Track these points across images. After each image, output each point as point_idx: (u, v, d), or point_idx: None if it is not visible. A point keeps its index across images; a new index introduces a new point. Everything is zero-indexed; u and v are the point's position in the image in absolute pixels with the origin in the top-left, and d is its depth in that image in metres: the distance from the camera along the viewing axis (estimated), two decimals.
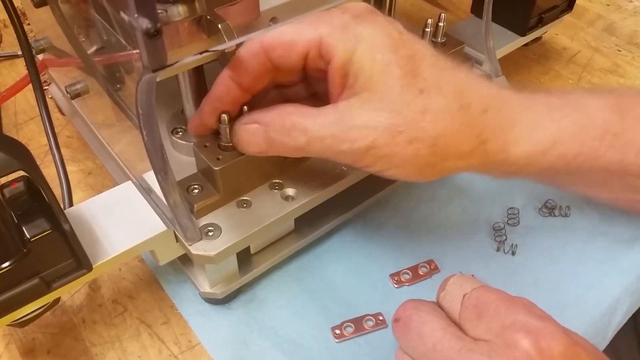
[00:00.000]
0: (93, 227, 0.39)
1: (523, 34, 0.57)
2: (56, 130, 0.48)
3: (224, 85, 0.38)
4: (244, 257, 0.43)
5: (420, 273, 0.46)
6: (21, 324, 0.39)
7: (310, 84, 0.41)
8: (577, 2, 0.77)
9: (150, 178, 0.39)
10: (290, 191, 0.42)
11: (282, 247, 0.45)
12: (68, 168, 0.51)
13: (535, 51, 0.69)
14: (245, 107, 0.38)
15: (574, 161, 0.40)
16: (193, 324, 0.43)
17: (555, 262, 0.47)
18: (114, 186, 0.43)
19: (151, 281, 0.46)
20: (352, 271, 0.46)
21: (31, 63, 0.46)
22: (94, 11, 0.38)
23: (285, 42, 0.36)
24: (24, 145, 0.33)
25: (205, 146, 0.40)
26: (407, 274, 0.46)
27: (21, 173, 0.32)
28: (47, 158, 0.57)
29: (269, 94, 0.42)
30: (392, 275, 0.46)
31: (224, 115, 0.38)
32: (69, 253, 0.35)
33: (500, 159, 0.39)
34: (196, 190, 0.40)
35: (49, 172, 0.50)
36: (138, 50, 0.27)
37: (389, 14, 0.52)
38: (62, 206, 0.44)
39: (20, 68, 0.68)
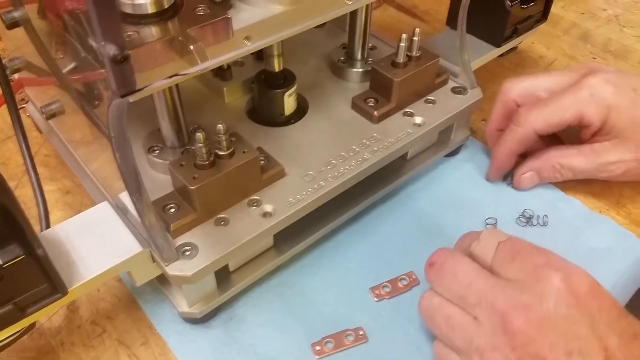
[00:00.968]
0: (69, 249, 0.39)
1: (498, 45, 0.58)
2: (34, 149, 0.48)
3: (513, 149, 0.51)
4: (223, 275, 0.43)
5: (400, 285, 0.46)
6: None
7: None
8: (552, 10, 0.78)
9: (126, 198, 0.38)
10: (268, 207, 0.42)
11: (261, 264, 0.45)
12: (46, 187, 0.51)
13: (512, 60, 0.70)
14: None
15: None
16: (172, 344, 0.42)
17: None
18: (92, 205, 0.42)
19: (129, 301, 0.46)
20: (332, 285, 0.46)
21: (5, 83, 0.46)
22: (66, 32, 0.38)
23: (553, 125, 0.49)
24: None
25: (181, 165, 0.39)
26: (387, 286, 0.46)
27: None
28: (25, 177, 0.56)
29: None
30: (372, 289, 0.46)
31: (199, 134, 0.38)
32: (43, 278, 0.35)
33: None
34: (172, 209, 0.40)
35: (27, 192, 0.50)
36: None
37: (364, 26, 0.53)
38: (39, 227, 0.45)
39: None
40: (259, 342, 0.42)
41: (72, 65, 0.44)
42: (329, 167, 0.46)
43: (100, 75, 0.32)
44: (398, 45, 0.48)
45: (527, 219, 0.51)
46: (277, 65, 0.48)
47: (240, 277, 0.44)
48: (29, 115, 0.60)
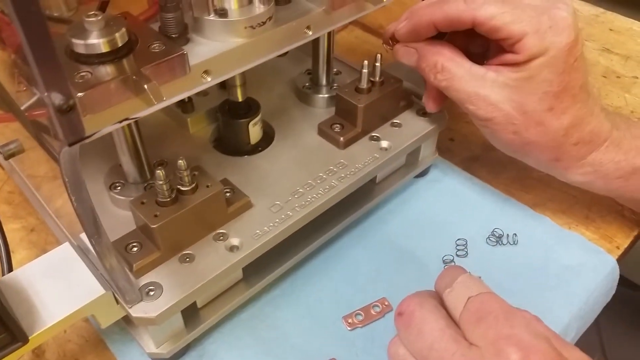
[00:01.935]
0: (30, 294, 0.38)
1: None
2: None
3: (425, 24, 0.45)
4: (191, 312, 0.42)
5: (373, 313, 0.46)
6: None
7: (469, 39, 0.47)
8: None
9: (87, 239, 0.38)
10: (235, 241, 0.42)
11: (230, 298, 0.44)
12: (10, 225, 0.49)
13: None
14: None
15: None
16: None
17: (505, 293, 0.46)
18: (58, 243, 0.42)
19: (97, 342, 0.45)
20: (304, 316, 0.45)
21: None
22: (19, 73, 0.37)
23: (491, 30, 0.42)
24: None
25: (143, 203, 0.39)
26: (360, 314, 0.46)
27: None
28: None
29: None
30: (344, 317, 0.45)
31: (159, 172, 0.37)
32: (2, 327, 0.33)
33: None
34: (135, 248, 0.39)
35: None
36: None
37: (328, 52, 0.53)
38: (1, 271, 0.43)
39: None
40: None
41: (31, 101, 0.43)
42: (296, 196, 0.45)
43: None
44: (361, 72, 0.48)
45: (497, 238, 0.51)
46: (240, 95, 0.47)
47: (209, 313, 0.43)
48: None
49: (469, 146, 0.61)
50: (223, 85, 0.53)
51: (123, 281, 0.36)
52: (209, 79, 0.36)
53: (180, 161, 0.38)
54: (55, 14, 0.46)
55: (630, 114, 0.66)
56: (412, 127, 0.51)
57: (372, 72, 0.49)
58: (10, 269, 0.43)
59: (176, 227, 0.39)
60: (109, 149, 0.45)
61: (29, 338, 0.35)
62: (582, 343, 0.49)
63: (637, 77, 0.72)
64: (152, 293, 0.38)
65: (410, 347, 0.35)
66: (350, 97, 0.49)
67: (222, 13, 0.36)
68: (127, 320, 0.41)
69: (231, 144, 0.50)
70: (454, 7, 0.43)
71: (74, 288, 0.38)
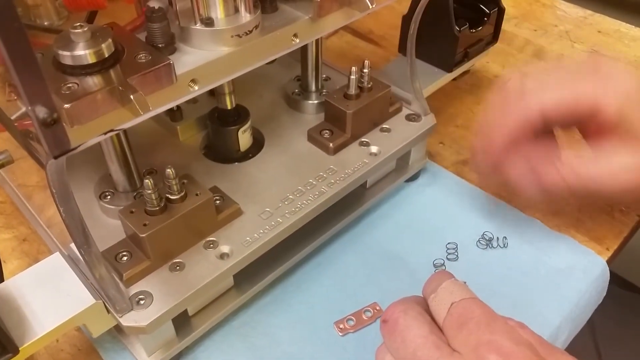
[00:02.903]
0: (20, 305, 0.38)
1: (450, 70, 0.59)
2: None
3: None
4: (182, 320, 0.42)
5: (365, 318, 0.46)
6: None
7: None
8: (506, 28, 0.80)
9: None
10: (225, 248, 0.42)
11: (222, 305, 0.44)
12: (1, 235, 0.49)
13: (467, 81, 0.71)
14: None
15: None
16: None
17: (496, 296, 0.46)
18: (50, 252, 0.41)
19: (89, 350, 0.45)
20: (296, 323, 0.46)
21: None
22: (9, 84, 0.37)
23: (563, 109, 0.42)
24: None
25: (132, 212, 0.39)
26: (352, 320, 0.46)
27: None
28: None
29: None
30: (336, 323, 0.46)
31: (147, 181, 0.37)
32: None
33: None
34: (125, 258, 0.39)
35: None
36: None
37: (317, 58, 0.53)
38: None
39: None
40: None
41: (21, 112, 0.43)
42: (286, 203, 0.45)
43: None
44: (349, 78, 0.48)
45: (488, 242, 0.51)
46: (229, 103, 0.47)
47: (200, 321, 0.43)
48: None
49: (459, 150, 0.62)
50: (213, 93, 0.53)
51: (113, 290, 0.36)
52: (196, 87, 0.36)
53: (168, 170, 0.38)
54: (45, 23, 0.46)
55: None
56: (401, 132, 0.52)
57: (360, 79, 0.49)
58: (1, 279, 0.43)
59: (166, 235, 0.39)
60: (99, 157, 0.45)
61: (20, 349, 0.35)
62: (577, 344, 0.49)
63: None
64: (142, 302, 0.38)
65: (395, 354, 0.35)
66: (338, 104, 0.49)
67: (209, 22, 0.36)
68: (118, 329, 0.41)
69: (221, 151, 0.50)
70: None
71: (64, 298, 0.38)
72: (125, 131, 0.42)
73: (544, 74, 0.44)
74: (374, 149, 0.50)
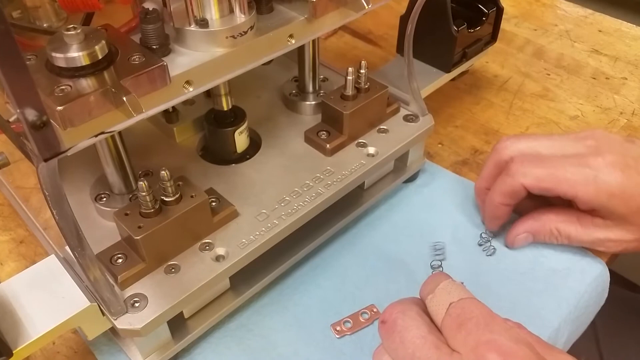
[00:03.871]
0: (15, 308, 0.37)
1: (448, 71, 0.58)
2: None
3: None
4: (178, 322, 0.42)
5: (362, 320, 0.46)
6: None
7: None
8: (506, 28, 0.80)
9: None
10: (220, 251, 0.42)
11: (218, 308, 0.44)
12: None
13: (466, 81, 0.71)
14: None
15: None
16: None
17: (494, 297, 0.47)
18: (47, 254, 0.41)
19: (86, 353, 0.45)
20: (293, 325, 0.45)
21: None
22: None
23: (543, 189, 0.46)
24: None
25: (126, 214, 0.39)
26: (349, 322, 0.46)
27: None
28: None
29: None
30: (333, 325, 0.45)
31: (141, 183, 0.37)
32: None
33: None
34: (120, 260, 0.39)
35: None
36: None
37: (314, 59, 0.53)
38: None
39: None
40: None
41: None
42: (282, 204, 0.45)
43: None
44: (346, 79, 0.48)
45: (486, 242, 0.51)
46: (225, 104, 0.47)
47: (196, 324, 0.43)
48: None
49: (457, 150, 0.61)
50: (209, 94, 0.53)
51: (108, 293, 0.36)
52: (190, 89, 0.36)
53: (163, 172, 0.38)
54: (45, 25, 0.46)
55: (619, 115, 0.66)
56: (399, 133, 0.51)
57: (357, 79, 0.49)
58: None
59: (160, 238, 0.39)
60: (95, 159, 0.45)
61: (14, 352, 0.35)
62: (579, 346, 0.49)
63: (626, 78, 0.72)
64: (137, 304, 0.37)
65: (393, 355, 0.35)
66: (335, 104, 0.49)
67: (203, 23, 0.36)
68: (114, 331, 0.41)
69: (218, 152, 0.50)
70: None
71: (59, 300, 0.38)
72: (120, 133, 0.42)
73: (533, 146, 0.49)
74: (371, 150, 0.50)
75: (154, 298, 0.38)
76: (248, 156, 0.50)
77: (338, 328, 0.45)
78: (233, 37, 0.37)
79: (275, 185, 0.47)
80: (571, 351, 0.48)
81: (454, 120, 0.65)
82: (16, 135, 0.44)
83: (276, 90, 0.57)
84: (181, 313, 0.42)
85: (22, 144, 0.43)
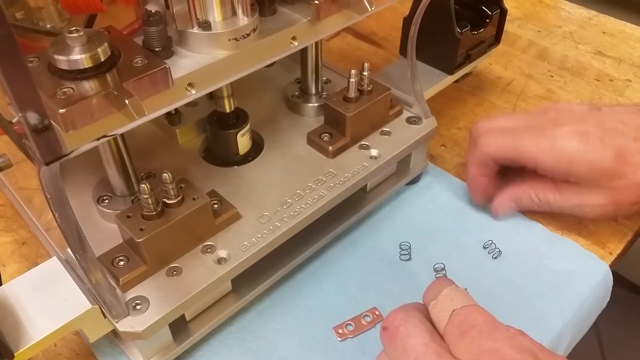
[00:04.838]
0: (17, 310, 0.37)
1: (451, 73, 0.58)
2: None
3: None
4: (180, 325, 0.42)
5: (364, 323, 0.46)
6: None
7: None
8: (509, 29, 0.80)
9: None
10: (222, 253, 0.41)
11: (220, 310, 0.44)
12: (1, 239, 0.49)
13: (470, 83, 0.70)
14: None
15: None
16: None
17: (497, 301, 0.46)
18: (49, 256, 0.41)
19: (87, 355, 0.44)
20: (295, 327, 0.45)
21: None
22: None
23: (506, 158, 0.49)
24: None
25: (128, 217, 0.39)
26: (351, 325, 0.45)
27: None
28: None
29: None
30: (335, 328, 0.45)
31: (144, 185, 0.37)
32: None
33: None
34: (122, 262, 0.39)
35: None
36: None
37: (316, 61, 0.53)
38: None
39: None
40: None
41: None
42: (284, 207, 0.45)
43: None
44: (348, 81, 0.48)
45: (489, 245, 0.51)
46: (227, 106, 0.47)
47: (198, 326, 0.42)
48: None
49: (461, 152, 0.61)
50: (212, 96, 0.53)
51: (109, 295, 0.36)
52: (193, 91, 0.36)
53: (165, 174, 0.38)
54: (48, 26, 0.46)
55: None
56: (401, 135, 0.51)
57: (359, 81, 0.49)
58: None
59: (162, 240, 0.39)
60: (97, 161, 0.45)
61: (15, 354, 0.35)
62: (581, 348, 0.49)
63: (630, 80, 0.72)
64: (138, 307, 0.37)
65: None
66: (338, 107, 0.49)
67: (206, 26, 0.36)
68: (116, 334, 0.41)
69: (220, 154, 0.50)
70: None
71: (61, 303, 0.38)
72: (122, 135, 0.42)
73: (500, 122, 0.52)
74: (374, 152, 0.50)
75: (155, 301, 0.38)
76: (250, 158, 0.50)
77: (340, 331, 0.45)
78: (236, 39, 0.37)
79: (278, 188, 0.47)
80: (573, 353, 0.48)
81: (457, 122, 0.65)
82: (18, 136, 0.44)
83: (279, 92, 0.57)
84: (183, 315, 0.42)
85: (24, 145, 0.43)
